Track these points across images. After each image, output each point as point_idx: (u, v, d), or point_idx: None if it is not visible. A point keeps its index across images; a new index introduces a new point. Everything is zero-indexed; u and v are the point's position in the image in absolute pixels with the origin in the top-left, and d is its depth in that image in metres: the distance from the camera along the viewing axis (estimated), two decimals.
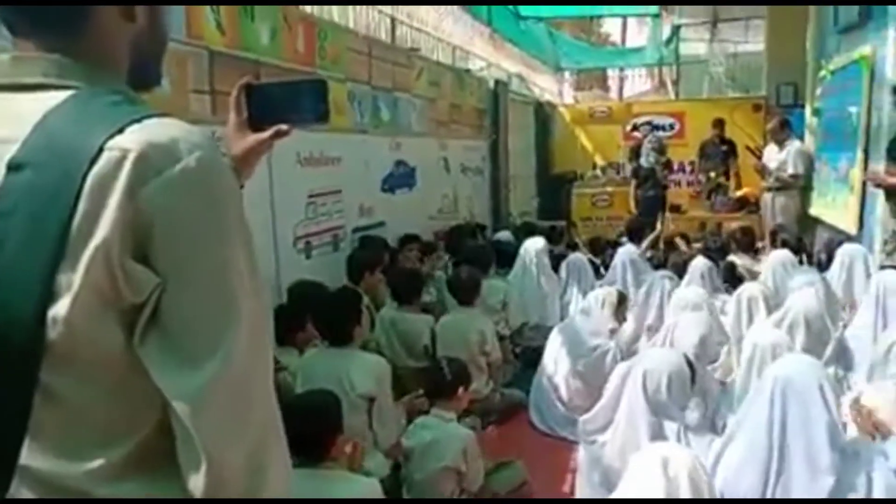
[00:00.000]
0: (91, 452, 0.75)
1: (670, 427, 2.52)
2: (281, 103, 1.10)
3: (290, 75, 4.16)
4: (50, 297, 0.69)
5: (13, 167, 0.71)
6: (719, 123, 8.43)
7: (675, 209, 8.42)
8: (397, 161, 5.83)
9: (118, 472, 0.75)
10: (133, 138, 0.72)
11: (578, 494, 2.82)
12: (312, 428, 2.09)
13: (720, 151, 8.33)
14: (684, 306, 3.73)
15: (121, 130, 0.72)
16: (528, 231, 6.59)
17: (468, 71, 8.20)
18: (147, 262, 0.72)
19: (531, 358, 4.46)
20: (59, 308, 0.69)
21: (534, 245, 5.39)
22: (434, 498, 2.77)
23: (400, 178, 5.87)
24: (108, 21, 0.82)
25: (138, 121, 0.73)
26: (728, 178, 8.33)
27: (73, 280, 0.69)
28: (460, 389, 2.98)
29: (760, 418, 2.19)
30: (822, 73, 6.55)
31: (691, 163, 9.14)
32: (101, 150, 0.70)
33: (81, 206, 0.69)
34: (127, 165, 0.70)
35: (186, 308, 0.73)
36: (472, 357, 3.84)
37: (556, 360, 3.86)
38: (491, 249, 5.54)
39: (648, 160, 8.03)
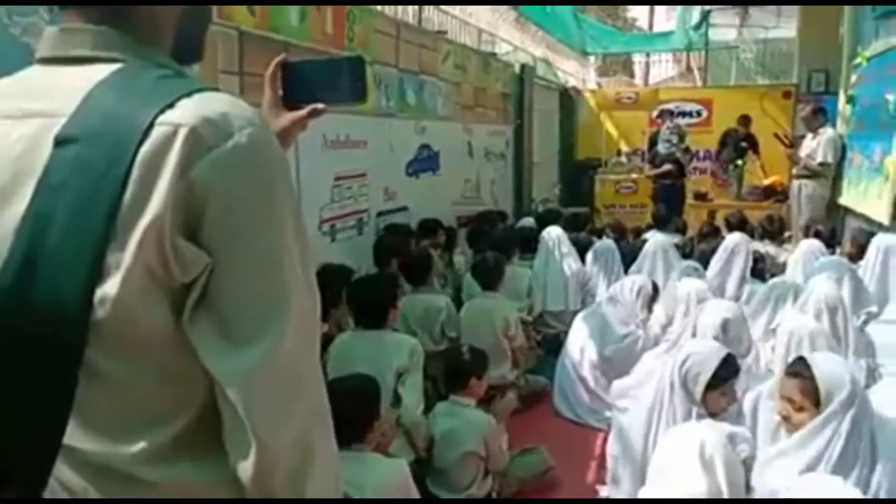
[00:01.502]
0: (137, 434, 0.74)
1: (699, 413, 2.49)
2: (317, 81, 1.06)
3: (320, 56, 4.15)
4: (99, 275, 0.68)
5: (62, 141, 0.70)
6: (745, 120, 8.32)
7: (701, 197, 8.31)
8: (422, 145, 5.80)
9: (164, 453, 0.74)
10: (184, 113, 0.70)
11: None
12: (351, 411, 2.09)
13: (739, 145, 8.23)
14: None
15: (171, 105, 0.70)
16: (551, 218, 6.54)
17: (494, 55, 8.12)
18: (197, 240, 0.71)
19: (553, 344, 4.45)
20: (109, 287, 0.68)
21: (555, 231, 5.36)
22: (455, 483, 2.78)
23: (424, 163, 5.84)
24: None
25: (188, 95, 0.72)
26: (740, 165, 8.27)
27: (122, 259, 0.68)
28: (472, 379, 2.95)
29: None
30: (858, 59, 6.39)
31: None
32: (152, 125, 0.69)
33: (132, 182, 0.68)
34: (179, 141, 0.69)
35: (236, 288, 0.72)
36: (496, 342, 3.84)
37: (582, 348, 3.83)
38: (514, 236, 5.51)
39: (667, 147, 7.91)
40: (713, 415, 2.42)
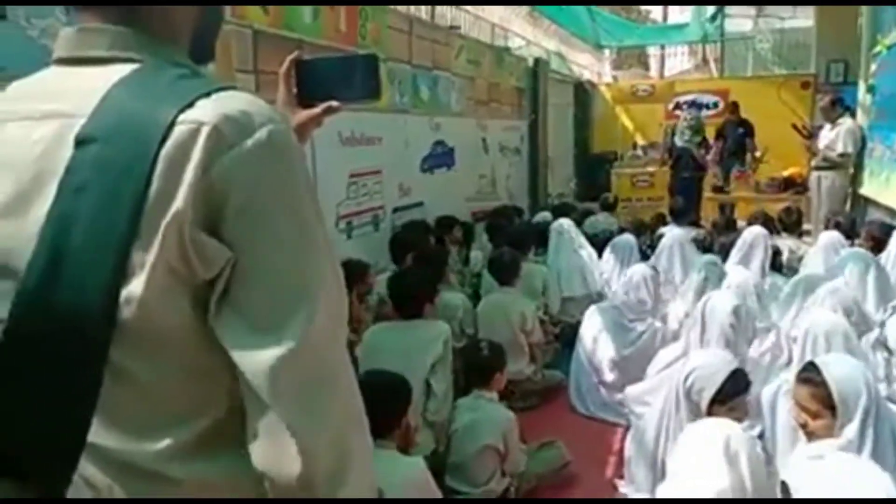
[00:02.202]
0: (161, 431, 0.74)
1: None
2: (331, 79, 1.06)
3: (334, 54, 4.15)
4: (123, 275, 0.68)
5: (81, 142, 0.70)
6: (734, 107, 8.37)
7: (719, 189, 8.24)
8: (436, 141, 5.80)
9: (189, 450, 0.74)
10: (205, 112, 0.70)
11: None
12: (379, 408, 2.10)
13: (737, 133, 8.17)
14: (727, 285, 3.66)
15: (191, 104, 0.70)
16: (565, 212, 6.51)
17: (507, 49, 8.09)
18: (219, 235, 0.71)
19: (570, 336, 4.42)
20: (133, 286, 0.68)
21: (565, 222, 5.35)
22: (474, 477, 2.78)
23: (439, 158, 5.84)
24: None
25: (207, 94, 0.72)
26: (744, 159, 8.18)
27: (146, 258, 0.68)
28: (497, 374, 2.99)
29: None
30: (878, 48, 6.30)
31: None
32: (173, 124, 0.69)
33: (155, 181, 0.68)
34: (200, 139, 0.69)
35: (260, 281, 0.71)
36: (513, 337, 3.83)
37: (595, 340, 3.82)
38: (530, 231, 5.50)
39: (683, 139, 7.84)
40: None
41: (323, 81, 1.07)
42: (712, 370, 2.34)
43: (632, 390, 3.06)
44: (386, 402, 2.16)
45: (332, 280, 0.76)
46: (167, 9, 0.81)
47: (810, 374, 2.08)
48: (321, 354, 0.73)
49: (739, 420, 2.25)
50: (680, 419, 2.38)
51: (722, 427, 1.81)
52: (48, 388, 0.70)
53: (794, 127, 8.09)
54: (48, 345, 0.69)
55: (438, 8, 6.29)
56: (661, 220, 6.57)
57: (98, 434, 0.72)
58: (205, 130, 0.69)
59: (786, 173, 8.04)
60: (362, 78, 1.06)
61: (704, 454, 1.73)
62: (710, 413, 2.29)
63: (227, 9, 3.28)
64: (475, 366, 3.00)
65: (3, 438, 0.71)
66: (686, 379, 2.36)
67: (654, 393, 2.85)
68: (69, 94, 0.74)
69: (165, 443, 0.74)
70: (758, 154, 8.20)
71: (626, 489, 2.82)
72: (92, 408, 0.70)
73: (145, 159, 0.68)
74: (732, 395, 2.30)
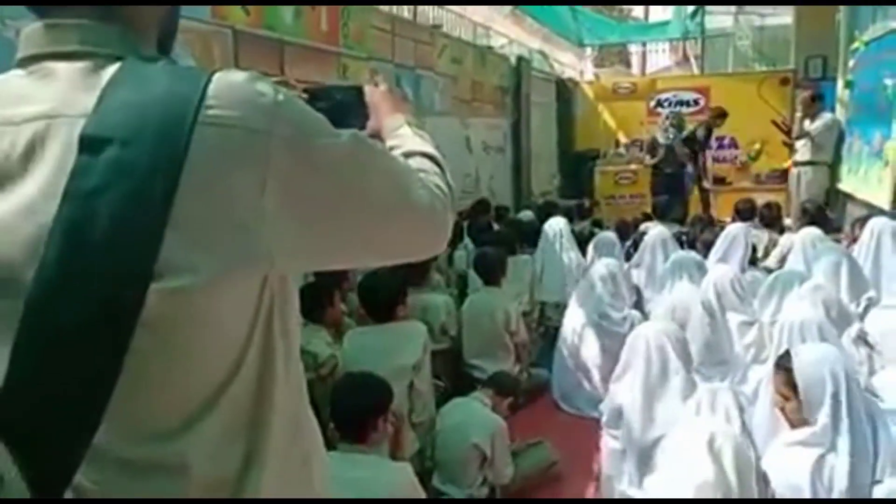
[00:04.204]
0: (176, 426, 0.72)
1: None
2: (328, 110, 1.08)
3: (315, 55, 4.13)
4: (152, 275, 0.67)
5: (91, 143, 0.68)
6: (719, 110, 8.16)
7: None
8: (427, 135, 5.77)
9: (206, 445, 0.74)
10: (221, 101, 0.70)
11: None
12: (356, 410, 2.11)
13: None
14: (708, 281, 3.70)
15: (203, 96, 0.69)
16: (549, 211, 6.54)
17: (490, 48, 8.10)
18: (303, 213, 0.73)
19: (553, 336, 4.44)
20: (161, 286, 0.67)
21: (557, 222, 5.37)
22: (460, 478, 2.79)
23: None
24: None
25: (209, 80, 0.71)
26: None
27: (177, 258, 0.67)
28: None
29: None
30: (856, 44, 6.38)
31: (717, 138, 8.99)
32: (194, 121, 0.68)
33: (185, 179, 0.67)
34: (230, 131, 0.69)
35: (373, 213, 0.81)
36: (498, 336, 3.84)
37: (578, 336, 3.84)
38: (514, 230, 5.50)
39: (667, 137, 7.89)
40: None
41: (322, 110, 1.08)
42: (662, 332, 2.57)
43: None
44: (365, 402, 2.16)
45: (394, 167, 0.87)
46: (138, 8, 0.80)
47: (783, 362, 2.19)
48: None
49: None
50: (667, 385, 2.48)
51: (708, 425, 1.82)
52: (62, 388, 0.67)
53: (775, 123, 8.17)
54: (63, 353, 0.67)
55: (421, 7, 6.28)
56: (646, 219, 6.62)
57: (107, 432, 0.69)
58: (229, 121, 0.69)
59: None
60: (354, 117, 1.08)
61: (689, 451, 1.74)
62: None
63: (208, 9, 3.25)
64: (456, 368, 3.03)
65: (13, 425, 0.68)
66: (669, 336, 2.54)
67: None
68: (48, 92, 0.72)
69: (181, 436, 0.72)
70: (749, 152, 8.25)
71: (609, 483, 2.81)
72: (102, 412, 0.68)
73: (173, 158, 0.67)
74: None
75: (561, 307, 4.70)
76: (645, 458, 2.48)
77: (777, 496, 1.93)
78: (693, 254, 4.44)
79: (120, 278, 0.67)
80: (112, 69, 0.72)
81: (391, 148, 1.00)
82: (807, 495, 1.89)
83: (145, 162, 0.67)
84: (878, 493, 1.71)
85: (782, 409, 2.15)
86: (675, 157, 7.82)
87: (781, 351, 2.44)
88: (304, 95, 1.09)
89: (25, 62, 0.75)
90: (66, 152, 0.68)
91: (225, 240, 0.69)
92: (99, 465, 0.71)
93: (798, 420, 2.08)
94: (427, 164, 0.97)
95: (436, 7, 6.69)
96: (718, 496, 1.71)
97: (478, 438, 2.80)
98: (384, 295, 3.11)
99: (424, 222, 0.89)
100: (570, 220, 6.11)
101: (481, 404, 2.95)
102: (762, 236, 5.29)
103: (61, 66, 0.73)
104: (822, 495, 1.89)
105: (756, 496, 1.82)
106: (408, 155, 0.98)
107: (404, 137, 1.05)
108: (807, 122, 6.94)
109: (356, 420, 2.14)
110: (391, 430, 2.30)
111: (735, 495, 1.73)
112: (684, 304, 3.37)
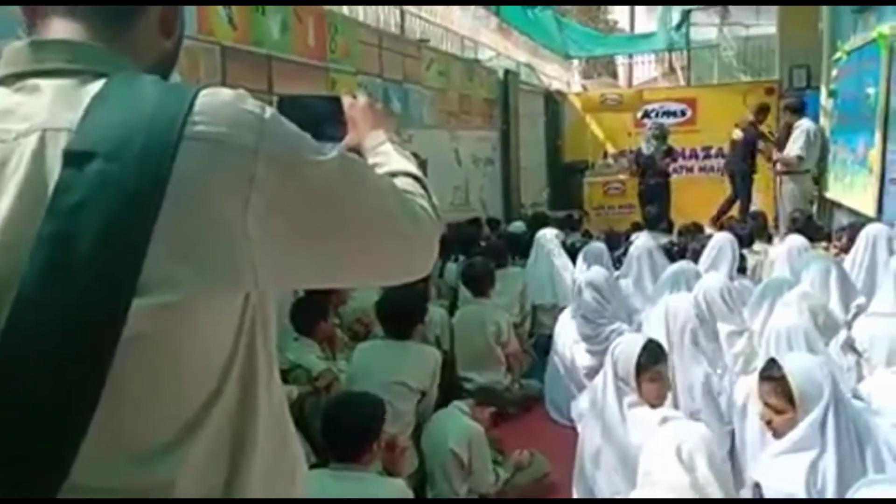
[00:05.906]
0: (160, 448, 0.71)
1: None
2: (303, 119, 1.08)
3: (303, 70, 4.14)
4: (135, 291, 0.66)
5: (75, 158, 0.67)
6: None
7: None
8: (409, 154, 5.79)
9: (190, 467, 0.72)
10: (207, 118, 0.69)
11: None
12: (351, 427, 2.11)
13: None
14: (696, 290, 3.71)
15: (189, 111, 0.69)
16: (541, 222, 6.55)
17: (477, 61, 8.15)
18: (281, 229, 0.72)
19: (545, 346, 4.44)
20: (144, 303, 0.66)
21: (548, 232, 5.40)
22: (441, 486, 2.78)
23: None
24: (150, 30, 0.82)
25: (196, 96, 0.71)
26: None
27: (160, 274, 0.66)
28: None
29: None
30: (838, 53, 6.46)
31: (704, 148, 9.07)
32: (180, 136, 0.68)
33: (170, 194, 0.66)
34: (216, 146, 0.69)
35: (362, 223, 0.81)
36: (489, 348, 3.84)
37: (570, 348, 3.85)
38: (504, 242, 5.52)
39: (650, 148, 7.96)
40: (652, 406, 2.48)
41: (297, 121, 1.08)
42: (629, 346, 2.59)
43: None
44: (360, 423, 2.15)
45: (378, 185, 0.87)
46: (143, 41, 0.81)
47: (771, 371, 2.12)
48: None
49: (663, 394, 2.55)
50: (608, 402, 2.55)
51: (677, 433, 1.82)
52: (44, 404, 0.66)
53: (761, 133, 8.24)
54: (43, 372, 0.66)
55: (408, 21, 6.32)
56: (636, 229, 6.64)
57: (91, 448, 0.68)
58: (213, 138, 0.69)
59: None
60: (330, 126, 1.07)
61: (660, 462, 1.75)
62: (638, 385, 2.51)
63: (195, 25, 3.26)
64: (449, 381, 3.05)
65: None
66: (614, 363, 2.57)
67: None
68: (33, 107, 0.71)
69: (163, 458, 0.71)
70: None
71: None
72: (84, 431, 0.67)
73: (157, 175, 0.66)
74: (648, 364, 2.53)
75: (554, 310, 4.70)
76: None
77: None
78: (692, 264, 4.45)
79: (103, 293, 0.66)
80: (98, 84, 0.72)
81: (374, 165, 0.99)
82: None
83: (130, 177, 0.67)
84: (866, 493, 1.70)
85: (769, 422, 2.10)
86: (657, 167, 7.89)
87: (767, 359, 2.46)
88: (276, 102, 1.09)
89: (8, 80, 0.74)
90: (51, 167, 0.68)
91: (209, 255, 0.69)
92: (80, 493, 0.69)
93: (784, 432, 2.04)
94: (411, 184, 0.97)
95: (423, 21, 6.73)
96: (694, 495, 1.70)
97: (454, 444, 2.80)
98: (407, 313, 3.12)
99: (411, 243, 0.89)
100: (562, 230, 6.15)
101: (460, 412, 2.95)
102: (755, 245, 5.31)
103: (45, 83, 0.73)
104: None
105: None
106: (392, 174, 0.96)
107: (387, 155, 1.04)
108: (789, 144, 6.88)
109: (350, 440, 2.13)
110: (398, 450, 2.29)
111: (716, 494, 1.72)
112: (676, 313, 3.36)
